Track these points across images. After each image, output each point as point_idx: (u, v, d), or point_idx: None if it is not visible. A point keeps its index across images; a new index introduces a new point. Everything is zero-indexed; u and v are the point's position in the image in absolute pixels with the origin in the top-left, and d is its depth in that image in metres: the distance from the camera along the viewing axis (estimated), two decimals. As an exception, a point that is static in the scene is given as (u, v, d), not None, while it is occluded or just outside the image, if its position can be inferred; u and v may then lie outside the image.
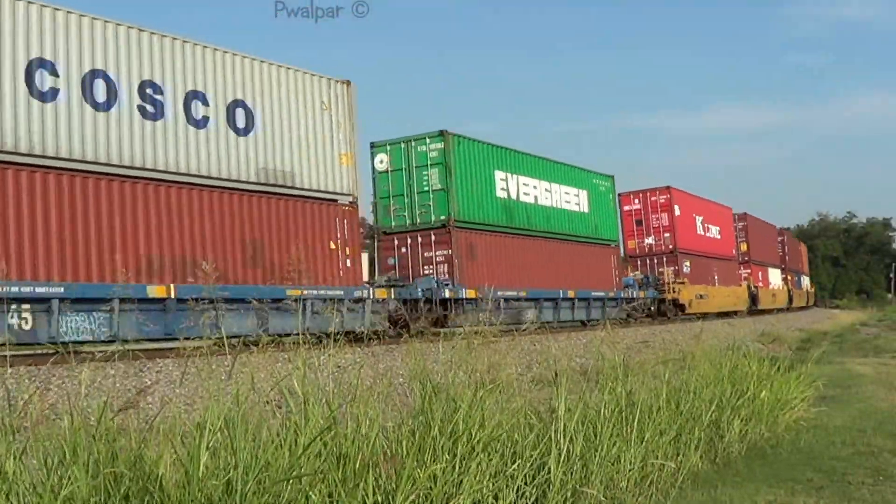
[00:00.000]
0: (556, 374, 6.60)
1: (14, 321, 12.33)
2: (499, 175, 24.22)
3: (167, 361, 12.68)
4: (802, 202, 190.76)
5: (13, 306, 12.37)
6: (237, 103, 16.49)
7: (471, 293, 21.22)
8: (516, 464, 5.40)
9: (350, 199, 18.51)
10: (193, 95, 15.74)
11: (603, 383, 6.93)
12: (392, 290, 19.33)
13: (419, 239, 22.07)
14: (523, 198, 25.19)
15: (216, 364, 4.93)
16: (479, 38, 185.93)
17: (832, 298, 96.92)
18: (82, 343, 12.53)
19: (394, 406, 5.62)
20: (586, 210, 28.74)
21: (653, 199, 36.63)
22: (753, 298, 45.92)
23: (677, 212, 36.75)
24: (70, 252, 13.37)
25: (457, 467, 5.00)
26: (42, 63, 13.48)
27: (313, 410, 4.78)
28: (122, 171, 14.41)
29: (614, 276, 30.18)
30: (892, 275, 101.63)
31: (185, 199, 15.24)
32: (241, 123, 16.52)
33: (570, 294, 26.23)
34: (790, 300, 56.72)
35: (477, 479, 5.05)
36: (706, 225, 40.66)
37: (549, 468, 5.56)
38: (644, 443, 6.43)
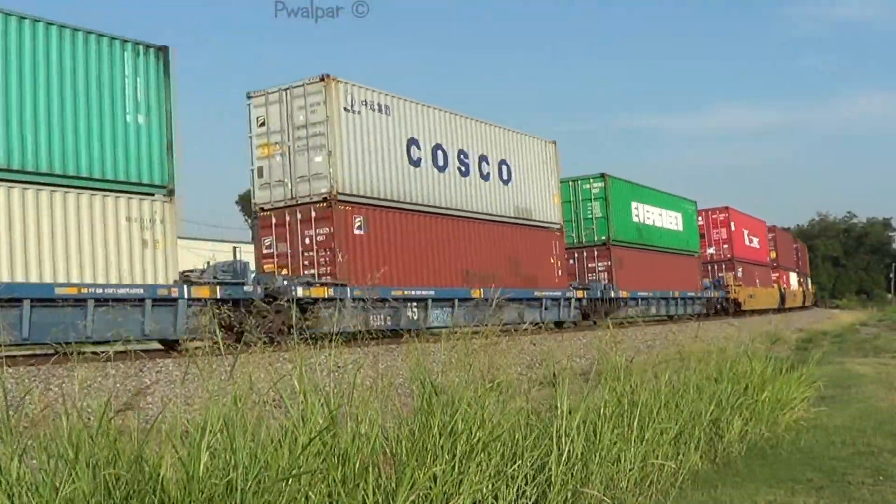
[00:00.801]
0: (556, 375, 6.59)
1: (410, 314, 18.85)
2: (633, 205, 32.57)
3: (167, 361, 12.73)
4: (802, 202, 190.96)
5: (409, 304, 18.80)
6: (503, 161, 23.91)
7: (624, 294, 29.75)
8: (516, 464, 5.40)
9: (558, 226, 26.26)
10: (482, 158, 23.01)
11: (604, 383, 6.92)
12: (584, 291, 27.13)
13: (584, 253, 30.15)
14: (647, 221, 33.60)
15: (216, 364, 4.93)
16: (478, 39, 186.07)
17: (832, 298, 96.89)
18: (438, 329, 17.58)
19: (393, 406, 5.61)
20: (681, 229, 37.26)
21: (713, 216, 45.18)
22: (782, 298, 54.20)
23: (733, 227, 45.52)
24: (431, 267, 20.13)
25: (456, 467, 5.00)
26: (413, 141, 20.34)
27: (312, 410, 4.78)
28: (451, 212, 21.42)
29: (698, 280, 38.59)
30: (892, 275, 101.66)
31: (481, 230, 22.44)
32: (505, 176, 23.90)
33: (676, 294, 35.06)
34: (804, 299, 66.17)
35: (477, 478, 5.05)
36: (750, 237, 49.32)
37: (550, 468, 5.56)
38: (644, 443, 6.42)
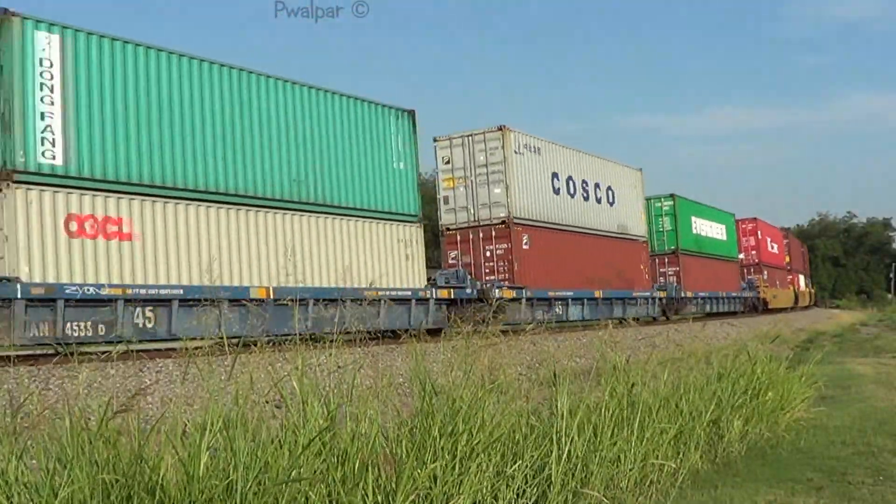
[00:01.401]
0: (556, 375, 6.58)
1: (557, 310, 24.50)
2: (692, 218, 38.75)
3: (167, 361, 12.74)
4: (802, 202, 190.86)
5: (557, 302, 24.67)
6: (609, 188, 29.41)
7: (689, 294, 36.22)
8: (516, 464, 5.39)
9: (644, 238, 31.90)
10: (596, 186, 28.49)
11: (604, 383, 6.92)
12: (664, 292, 33.09)
13: (656, 260, 35.52)
14: (702, 232, 39.78)
15: (216, 364, 4.92)
16: (477, 39, 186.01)
17: (832, 298, 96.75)
18: (571, 322, 25.05)
19: (393, 406, 5.60)
20: (724, 238, 43.53)
21: (743, 226, 50.63)
22: (796, 298, 60.93)
23: (760, 235, 51.86)
24: (566, 273, 25.25)
25: (457, 467, 4.99)
26: (555, 174, 25.81)
27: (312, 410, 4.77)
28: (577, 229, 26.69)
29: (738, 282, 44.98)
30: (892, 275, 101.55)
31: (595, 243, 27.66)
32: (610, 200, 29.44)
33: (723, 294, 41.40)
34: (810, 299, 72.67)
35: (477, 478, 5.04)
36: (772, 243, 55.60)
37: (550, 468, 5.55)
38: (644, 443, 6.41)
